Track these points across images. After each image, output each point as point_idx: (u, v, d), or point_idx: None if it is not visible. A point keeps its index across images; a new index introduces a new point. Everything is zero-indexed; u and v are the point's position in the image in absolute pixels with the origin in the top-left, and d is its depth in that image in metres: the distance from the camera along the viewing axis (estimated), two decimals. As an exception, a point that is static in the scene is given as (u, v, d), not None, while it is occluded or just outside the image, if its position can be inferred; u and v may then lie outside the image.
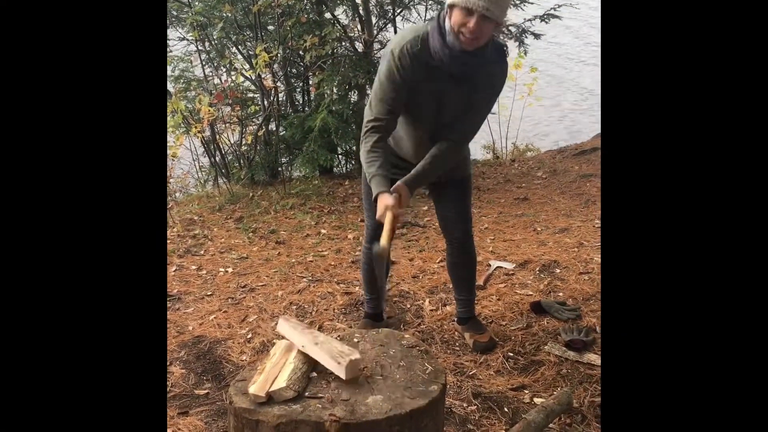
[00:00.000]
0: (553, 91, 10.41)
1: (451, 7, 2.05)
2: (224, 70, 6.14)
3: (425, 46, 2.17)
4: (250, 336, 2.93)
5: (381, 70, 2.25)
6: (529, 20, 6.03)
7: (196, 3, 5.89)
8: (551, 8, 6.01)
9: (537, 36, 6.06)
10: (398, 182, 2.27)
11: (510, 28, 6.03)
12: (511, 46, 6.13)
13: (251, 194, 5.43)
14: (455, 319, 2.86)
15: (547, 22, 6.01)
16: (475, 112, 2.32)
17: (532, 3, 5.85)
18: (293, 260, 3.92)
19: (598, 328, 2.80)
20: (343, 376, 1.70)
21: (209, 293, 3.46)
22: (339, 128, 5.36)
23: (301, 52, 5.75)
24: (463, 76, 2.21)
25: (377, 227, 2.64)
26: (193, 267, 3.87)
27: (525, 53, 6.18)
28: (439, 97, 2.26)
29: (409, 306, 3.17)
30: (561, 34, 12.18)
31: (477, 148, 7.23)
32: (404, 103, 2.27)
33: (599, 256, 3.61)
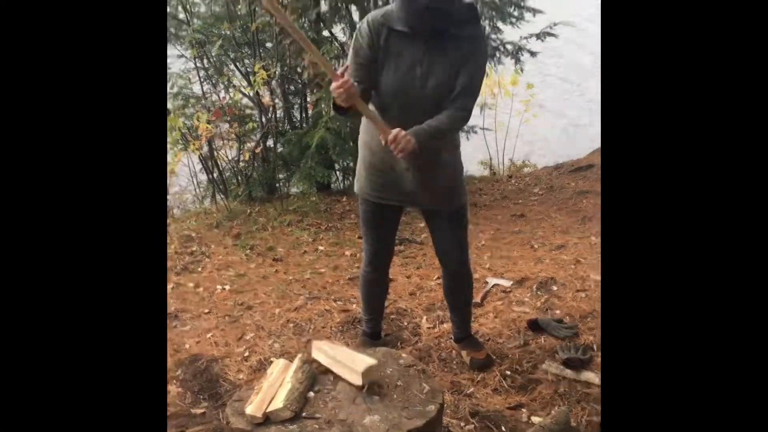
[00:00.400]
0: (556, 106, 10.45)
1: None
2: (222, 87, 6.17)
3: (389, 13, 2.21)
4: (247, 354, 2.92)
5: None
6: (525, 38, 6.08)
7: (195, 21, 5.93)
8: (547, 26, 6.06)
9: (533, 54, 6.11)
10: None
11: (506, 45, 6.08)
12: (508, 63, 6.19)
13: (249, 211, 5.44)
14: (452, 337, 2.87)
15: (543, 41, 6.07)
16: (463, 83, 2.23)
17: (528, 21, 5.89)
18: (291, 277, 3.92)
19: (595, 347, 2.80)
20: (359, 382, 1.75)
21: (206, 311, 3.46)
22: (336, 145, 5.38)
23: (299, 70, 5.79)
24: (433, 34, 2.18)
25: (377, 251, 2.64)
26: (191, 284, 3.87)
27: (521, 70, 6.24)
28: (413, 68, 2.21)
29: (406, 323, 3.17)
30: (568, 50, 12.19)
31: (473, 164, 7.26)
32: (373, 77, 2.25)
33: (596, 273, 3.62)
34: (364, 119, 2.42)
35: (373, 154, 2.42)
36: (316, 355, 1.94)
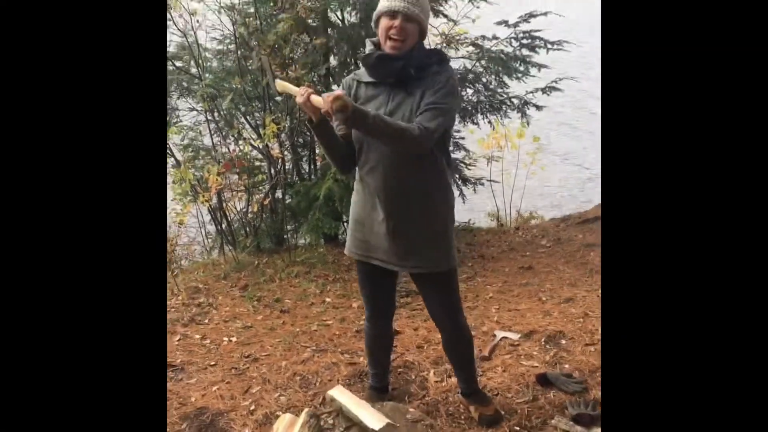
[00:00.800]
0: (570, 156, 10.52)
1: (377, 19, 2.26)
2: (232, 139, 6.26)
3: (360, 70, 2.38)
4: (253, 408, 2.90)
5: None
6: (531, 92, 6.17)
7: (207, 75, 6.05)
8: (552, 81, 6.15)
9: (539, 107, 6.19)
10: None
11: (512, 99, 6.17)
12: (514, 116, 6.27)
13: (256, 262, 5.45)
14: (459, 392, 2.83)
15: (548, 95, 6.15)
16: (426, 103, 2.20)
17: (533, 76, 5.99)
18: (297, 329, 3.91)
19: (605, 402, 2.76)
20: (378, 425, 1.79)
21: (212, 363, 3.44)
22: (343, 197, 5.41)
23: (308, 123, 5.86)
24: (396, 81, 2.25)
25: (373, 308, 2.64)
26: (197, 336, 3.86)
27: (528, 124, 6.31)
28: (377, 110, 2.24)
29: (413, 377, 3.14)
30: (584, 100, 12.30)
31: (481, 216, 7.29)
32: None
33: (605, 326, 3.58)
34: (356, 180, 2.45)
35: (357, 210, 2.46)
36: (336, 394, 1.95)
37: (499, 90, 6.13)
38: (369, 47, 2.32)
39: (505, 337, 3.56)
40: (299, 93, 2.19)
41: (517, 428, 2.61)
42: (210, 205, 5.74)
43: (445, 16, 5.73)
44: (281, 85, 2.40)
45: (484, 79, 6.02)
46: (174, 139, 5.97)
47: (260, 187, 6.21)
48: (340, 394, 1.98)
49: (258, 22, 5.42)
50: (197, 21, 5.80)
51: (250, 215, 6.14)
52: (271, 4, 5.47)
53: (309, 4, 5.17)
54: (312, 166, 6.32)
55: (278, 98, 5.94)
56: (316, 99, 2.17)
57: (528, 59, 5.92)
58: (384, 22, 2.23)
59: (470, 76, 5.92)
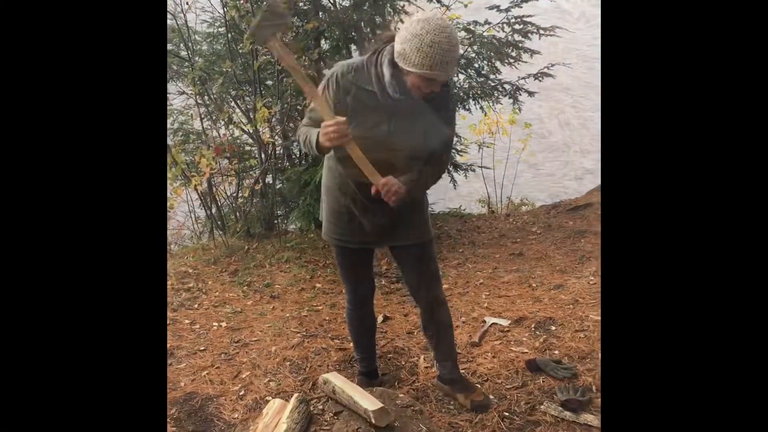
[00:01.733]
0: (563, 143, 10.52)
1: (411, 70, 2.06)
2: (223, 123, 6.21)
3: (360, 71, 2.21)
4: (242, 393, 2.89)
5: None
6: (523, 78, 6.13)
7: (197, 59, 5.99)
8: (545, 67, 6.12)
9: (531, 93, 6.16)
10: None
11: (504, 85, 6.14)
12: (506, 102, 6.24)
13: (247, 247, 5.44)
14: (440, 378, 2.82)
15: (540, 81, 6.12)
16: (438, 139, 2.25)
17: (526, 62, 5.95)
18: (287, 315, 3.90)
19: (594, 388, 2.78)
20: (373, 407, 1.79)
21: (202, 348, 3.43)
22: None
23: (299, 108, 5.82)
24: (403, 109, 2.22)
25: (355, 290, 2.65)
26: (187, 321, 3.84)
27: (519, 110, 6.28)
28: (379, 125, 2.21)
29: (403, 363, 3.14)
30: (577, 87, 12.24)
31: (472, 203, 7.29)
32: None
33: (595, 313, 3.60)
34: (325, 166, 2.45)
35: (335, 199, 2.45)
36: (332, 377, 1.95)
37: (491, 76, 6.10)
38: (392, 87, 2.13)
39: (495, 323, 3.57)
40: (330, 123, 2.07)
41: (507, 414, 2.62)
42: (200, 190, 5.71)
43: (438, 1, 5.69)
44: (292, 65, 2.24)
45: (476, 65, 5.98)
46: (164, 122, 5.92)
47: (251, 172, 6.18)
48: (334, 377, 1.99)
49: (249, 5, 5.36)
50: (187, 3, 5.75)
51: (240, 200, 6.12)
52: (262, -14, 5.42)
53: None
54: (302, 152, 6.29)
55: (269, 82, 5.90)
56: (356, 152, 2.12)
57: (520, 45, 5.89)
58: (419, 81, 2.08)
59: (462, 61, 5.88)
